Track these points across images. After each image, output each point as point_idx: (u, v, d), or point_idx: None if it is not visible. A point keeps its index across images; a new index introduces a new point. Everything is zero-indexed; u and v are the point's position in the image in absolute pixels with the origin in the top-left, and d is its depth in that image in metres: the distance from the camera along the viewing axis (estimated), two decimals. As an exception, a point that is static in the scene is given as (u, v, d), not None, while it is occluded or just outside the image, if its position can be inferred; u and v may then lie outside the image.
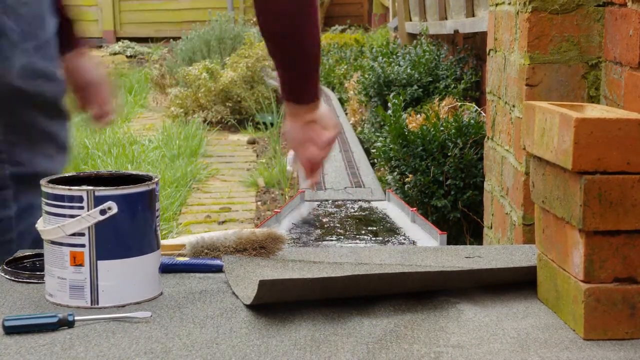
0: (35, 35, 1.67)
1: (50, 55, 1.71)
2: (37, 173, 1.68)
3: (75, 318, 1.25)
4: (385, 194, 3.22)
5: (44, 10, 1.70)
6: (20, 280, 1.45)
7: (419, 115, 4.13)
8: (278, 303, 1.32)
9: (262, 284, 1.27)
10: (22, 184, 1.71)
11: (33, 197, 1.68)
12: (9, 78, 1.65)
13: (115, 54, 13.71)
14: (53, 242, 1.33)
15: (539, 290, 1.40)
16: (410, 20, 6.84)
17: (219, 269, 1.50)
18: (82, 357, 1.14)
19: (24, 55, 1.65)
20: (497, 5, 2.47)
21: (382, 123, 4.67)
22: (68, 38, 1.83)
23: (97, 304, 1.32)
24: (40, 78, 1.68)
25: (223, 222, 4.81)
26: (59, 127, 1.76)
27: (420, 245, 2.03)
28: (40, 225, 1.36)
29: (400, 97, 4.03)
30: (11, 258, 1.53)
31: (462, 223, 3.53)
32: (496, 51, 2.48)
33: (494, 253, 1.64)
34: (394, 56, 5.36)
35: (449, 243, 2.23)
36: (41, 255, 1.54)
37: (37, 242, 1.67)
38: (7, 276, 1.46)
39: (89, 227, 1.30)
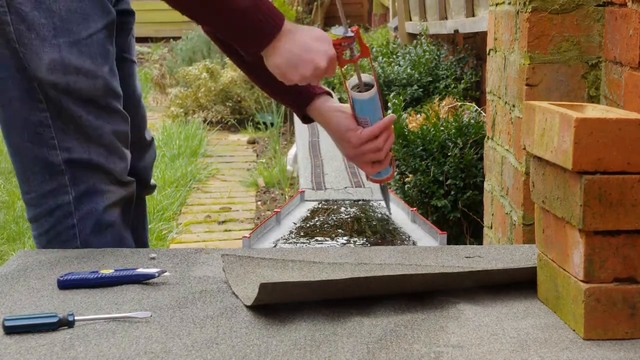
0: (70, 31, 1.69)
1: (89, 52, 1.71)
2: (90, 160, 1.73)
3: (75, 318, 1.25)
4: (385, 193, 3.21)
5: (86, 6, 1.70)
6: None
7: (419, 115, 4.13)
8: (278, 303, 1.32)
9: (263, 287, 1.27)
10: (78, 169, 1.73)
11: (91, 182, 1.73)
12: (39, 72, 1.68)
13: (115, 53, 13.70)
14: None
15: (539, 290, 1.40)
16: (410, 20, 6.84)
17: (148, 278, 1.45)
18: (82, 357, 1.14)
19: (54, 50, 1.68)
20: (497, 5, 2.47)
21: (382, 123, 4.67)
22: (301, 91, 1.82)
23: None
24: (73, 74, 1.69)
25: (223, 222, 4.81)
26: (105, 124, 1.74)
27: (420, 245, 2.03)
28: None
29: (400, 97, 4.03)
30: None
31: (462, 223, 3.52)
32: (496, 51, 2.48)
33: (494, 253, 1.64)
34: (394, 56, 5.36)
35: (449, 243, 2.23)
36: None
37: (99, 226, 1.74)
38: None
39: None
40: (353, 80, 1.77)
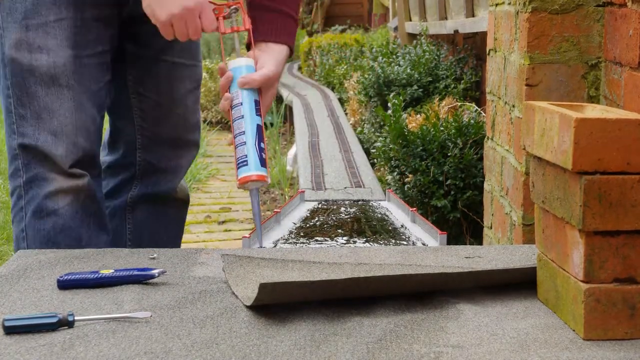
0: (39, 14, 1.80)
1: (55, 33, 1.80)
2: (37, 146, 1.82)
3: (75, 318, 1.25)
4: (385, 194, 3.22)
5: None
6: None
7: (419, 115, 4.13)
8: (278, 303, 1.32)
9: (263, 287, 1.27)
10: (28, 154, 1.83)
11: (39, 169, 1.82)
12: (8, 50, 1.81)
13: (115, 54, 13.69)
14: None
15: (539, 290, 1.40)
16: (410, 20, 6.84)
17: (148, 278, 1.45)
18: (82, 357, 1.14)
19: (22, 30, 1.80)
20: (497, 5, 2.47)
21: (382, 123, 4.67)
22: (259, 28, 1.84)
23: None
24: (37, 52, 1.80)
25: (223, 222, 4.81)
26: (62, 106, 1.82)
27: (420, 245, 2.03)
28: None
29: (400, 97, 4.03)
30: None
31: (462, 223, 3.52)
32: (496, 51, 2.48)
33: (494, 253, 1.64)
34: (394, 56, 5.36)
35: (449, 243, 2.23)
36: None
37: (39, 211, 1.82)
38: None
39: None
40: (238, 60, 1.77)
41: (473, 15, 4.81)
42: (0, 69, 1.85)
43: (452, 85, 4.75)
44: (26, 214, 1.84)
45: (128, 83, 2.03)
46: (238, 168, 1.70)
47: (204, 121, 7.70)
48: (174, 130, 2.07)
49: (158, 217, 2.10)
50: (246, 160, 1.69)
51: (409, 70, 4.91)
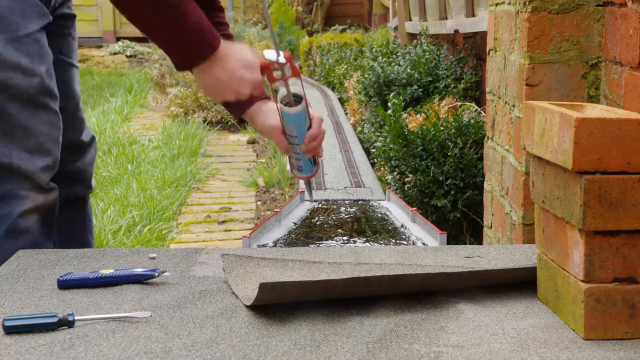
0: (8, 29, 1.71)
1: (27, 50, 1.73)
2: (11, 164, 1.73)
3: (75, 318, 1.25)
4: (385, 193, 3.22)
5: (25, 7, 1.73)
6: None
7: (419, 115, 4.13)
8: (278, 303, 1.32)
9: (263, 287, 1.27)
10: (1, 172, 1.74)
11: (10, 187, 1.73)
12: None
13: (115, 53, 13.71)
14: None
15: (539, 290, 1.40)
16: (410, 20, 6.84)
17: (147, 278, 1.45)
18: (82, 357, 1.14)
19: None
20: (497, 5, 2.47)
21: (382, 123, 4.67)
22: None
23: None
24: (10, 70, 1.71)
25: (223, 222, 4.81)
26: (37, 124, 1.75)
27: (420, 245, 2.03)
28: None
29: (400, 97, 4.03)
30: None
31: (462, 223, 3.53)
32: (496, 51, 2.48)
33: (494, 253, 1.64)
34: (394, 56, 5.36)
35: (449, 243, 2.23)
36: None
37: (13, 231, 1.74)
38: None
39: None
40: (282, 92, 1.80)
41: (473, 15, 4.81)
42: None
43: (452, 85, 4.75)
44: None
45: None
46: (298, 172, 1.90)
47: (204, 121, 7.70)
48: (76, 133, 2.00)
49: (73, 216, 2.03)
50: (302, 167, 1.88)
51: (409, 70, 4.92)
